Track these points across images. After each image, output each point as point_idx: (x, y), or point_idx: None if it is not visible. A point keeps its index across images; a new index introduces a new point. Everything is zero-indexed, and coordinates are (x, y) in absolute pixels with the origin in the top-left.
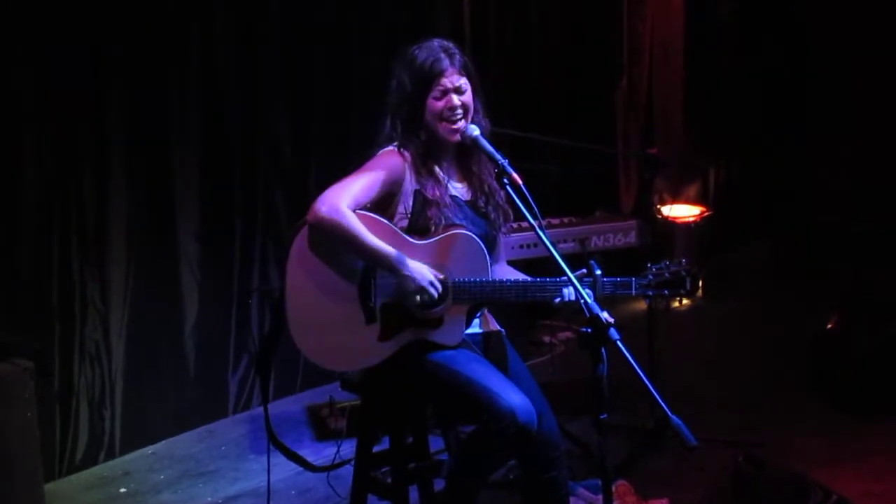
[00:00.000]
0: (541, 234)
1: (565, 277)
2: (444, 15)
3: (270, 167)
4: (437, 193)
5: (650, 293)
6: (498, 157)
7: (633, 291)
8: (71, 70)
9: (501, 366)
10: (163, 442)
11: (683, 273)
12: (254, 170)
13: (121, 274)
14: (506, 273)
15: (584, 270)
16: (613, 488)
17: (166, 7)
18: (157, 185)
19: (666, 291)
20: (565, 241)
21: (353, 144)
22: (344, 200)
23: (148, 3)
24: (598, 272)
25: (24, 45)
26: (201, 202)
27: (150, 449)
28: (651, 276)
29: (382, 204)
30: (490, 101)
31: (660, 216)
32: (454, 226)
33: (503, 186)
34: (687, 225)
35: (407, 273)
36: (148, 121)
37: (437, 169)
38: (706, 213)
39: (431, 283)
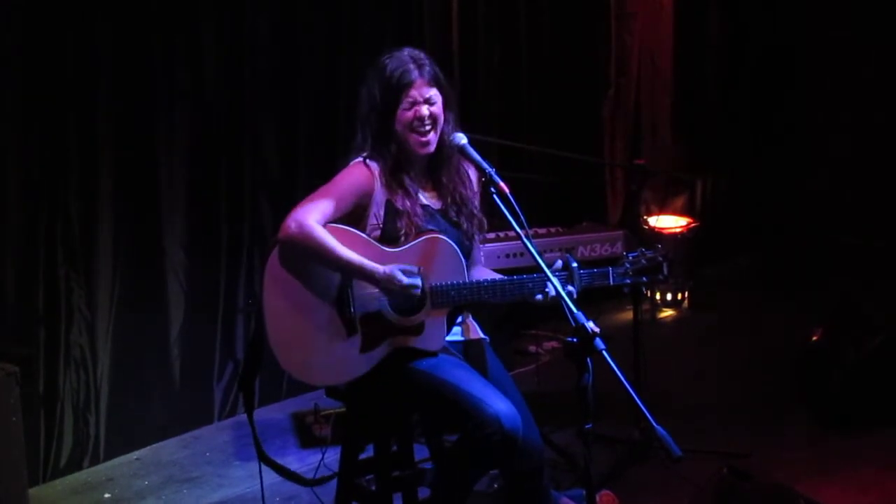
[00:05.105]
0: (527, 242)
1: (544, 275)
2: (433, 27)
3: (257, 177)
4: (408, 204)
5: (628, 281)
6: (485, 165)
7: (612, 281)
8: (57, 78)
9: (481, 374)
10: (147, 448)
11: (660, 258)
12: (241, 179)
13: (107, 281)
14: (484, 276)
15: (560, 264)
16: (598, 498)
17: (153, 17)
18: (144, 193)
19: (644, 278)
20: (551, 251)
21: (341, 156)
22: (313, 216)
23: (134, 14)
24: (575, 265)
25: (8, 52)
26: (188, 211)
27: (134, 455)
28: (628, 265)
29: (354, 216)
30: (479, 112)
31: (647, 227)
32: (427, 231)
33: (490, 195)
34: (674, 236)
35: (383, 284)
36: (134, 130)
37: (406, 180)
38: (693, 225)
39: (409, 284)
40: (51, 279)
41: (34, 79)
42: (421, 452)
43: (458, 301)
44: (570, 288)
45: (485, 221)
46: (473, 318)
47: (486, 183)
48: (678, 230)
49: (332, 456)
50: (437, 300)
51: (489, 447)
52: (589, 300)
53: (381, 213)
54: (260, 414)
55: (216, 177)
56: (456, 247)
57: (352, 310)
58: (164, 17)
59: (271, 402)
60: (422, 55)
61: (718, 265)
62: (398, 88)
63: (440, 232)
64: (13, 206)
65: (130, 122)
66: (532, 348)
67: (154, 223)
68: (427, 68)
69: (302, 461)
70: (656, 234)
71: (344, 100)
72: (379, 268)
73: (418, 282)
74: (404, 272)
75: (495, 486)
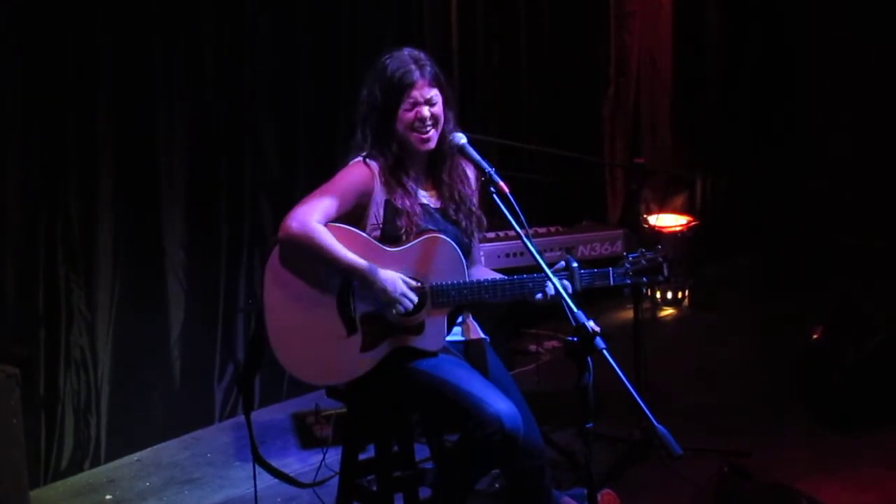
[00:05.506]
0: (527, 242)
1: (544, 274)
2: (433, 27)
3: (257, 177)
4: (407, 203)
5: (628, 281)
6: (485, 165)
7: (612, 281)
8: (57, 78)
9: (482, 374)
10: (148, 449)
11: (660, 259)
12: (241, 179)
13: (107, 282)
14: (483, 275)
15: (562, 264)
16: (599, 497)
17: (153, 17)
18: (144, 193)
19: (645, 279)
20: (552, 250)
21: (340, 156)
22: (313, 215)
23: (134, 14)
24: (575, 265)
25: (8, 52)
26: (188, 211)
27: (135, 456)
28: (628, 266)
29: (354, 215)
30: (479, 112)
31: (647, 226)
32: (427, 231)
33: (490, 195)
34: (674, 235)
35: (380, 286)
36: (135, 130)
37: (405, 179)
38: (693, 224)
39: (404, 295)
40: (51, 279)
41: (34, 79)
42: (421, 452)
43: (458, 301)
44: (566, 283)
45: (484, 219)
46: (474, 318)
47: (486, 182)
48: (678, 229)
49: (333, 456)
50: (438, 300)
51: (490, 447)
52: (589, 299)
53: (381, 212)
54: (261, 414)
55: (216, 177)
56: (456, 247)
57: (352, 309)
58: (164, 17)
59: (272, 403)
60: (422, 55)
61: (718, 265)
62: (400, 89)
63: (440, 231)
64: (13, 206)
65: (130, 122)
66: (532, 348)
67: (154, 223)
68: (428, 69)
69: (303, 462)
70: (656, 233)
71: (344, 100)
72: (380, 272)
73: (413, 297)
74: (406, 284)
75: (496, 485)
